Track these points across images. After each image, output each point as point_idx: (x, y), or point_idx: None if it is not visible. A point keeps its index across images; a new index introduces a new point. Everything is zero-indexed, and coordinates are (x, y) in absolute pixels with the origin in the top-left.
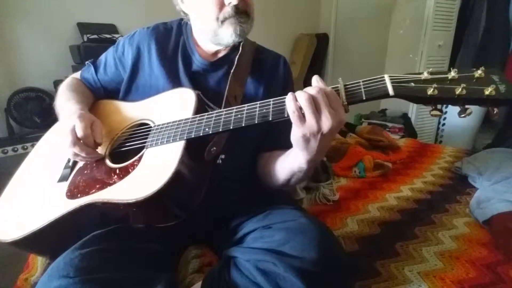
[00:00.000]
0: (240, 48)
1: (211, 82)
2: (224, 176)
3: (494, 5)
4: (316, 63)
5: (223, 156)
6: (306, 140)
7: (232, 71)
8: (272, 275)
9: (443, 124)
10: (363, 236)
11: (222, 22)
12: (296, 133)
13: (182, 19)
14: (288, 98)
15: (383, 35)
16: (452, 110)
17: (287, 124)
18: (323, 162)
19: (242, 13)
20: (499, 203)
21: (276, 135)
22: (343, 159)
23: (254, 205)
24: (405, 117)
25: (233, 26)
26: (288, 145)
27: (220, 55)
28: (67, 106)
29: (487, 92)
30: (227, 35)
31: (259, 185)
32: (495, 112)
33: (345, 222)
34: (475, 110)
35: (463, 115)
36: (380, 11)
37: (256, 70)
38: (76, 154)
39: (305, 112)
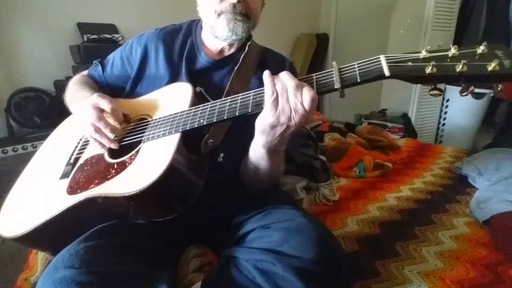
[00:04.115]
0: (247, 48)
1: (215, 79)
2: (224, 176)
3: (494, 5)
4: (316, 63)
5: (223, 155)
6: (272, 127)
7: (236, 67)
8: (271, 275)
9: (443, 124)
10: (363, 236)
11: (219, 15)
12: (265, 118)
13: (193, 20)
14: (267, 81)
15: (383, 35)
16: (452, 110)
17: None
18: (323, 162)
19: (241, 13)
20: (499, 203)
21: None
22: (343, 159)
23: (254, 205)
24: (405, 117)
25: (227, 21)
26: None
27: (226, 53)
28: (81, 93)
29: (490, 68)
30: (221, 28)
31: None
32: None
33: (345, 222)
34: (475, 110)
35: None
36: (380, 11)
37: (261, 70)
38: (98, 131)
39: (280, 101)
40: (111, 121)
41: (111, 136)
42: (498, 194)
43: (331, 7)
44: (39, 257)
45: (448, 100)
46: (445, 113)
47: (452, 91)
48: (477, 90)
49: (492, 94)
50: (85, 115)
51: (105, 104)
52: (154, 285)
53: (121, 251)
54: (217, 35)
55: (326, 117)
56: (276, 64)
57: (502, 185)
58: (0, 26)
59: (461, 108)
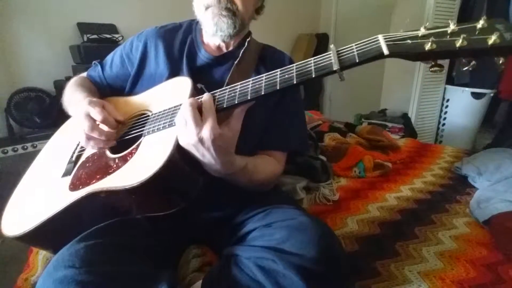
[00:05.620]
0: (246, 44)
1: (215, 76)
2: None
3: (494, 5)
4: None
5: None
6: (192, 148)
7: (235, 62)
8: (272, 272)
9: (443, 124)
10: (363, 236)
11: (206, 9)
12: (181, 140)
13: (193, 20)
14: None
15: None
16: (452, 110)
17: (286, 122)
18: (323, 162)
19: (226, 8)
20: (499, 203)
21: (270, 134)
22: (343, 159)
23: (255, 204)
24: (405, 117)
25: (213, 16)
26: (277, 146)
27: (225, 50)
28: (76, 96)
29: (490, 41)
30: (207, 22)
31: None
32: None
33: (345, 222)
34: (475, 110)
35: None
36: (380, 11)
37: (261, 66)
38: (93, 139)
39: (186, 120)
40: (105, 127)
41: (106, 140)
42: (498, 194)
43: (331, 7)
44: (39, 257)
45: (448, 100)
46: (445, 113)
47: (452, 91)
48: (477, 90)
49: (492, 94)
50: (79, 124)
51: (95, 113)
52: (154, 285)
53: (121, 250)
54: (206, 29)
55: (326, 117)
56: (276, 58)
57: (502, 185)
58: (0, 26)
59: (461, 108)
